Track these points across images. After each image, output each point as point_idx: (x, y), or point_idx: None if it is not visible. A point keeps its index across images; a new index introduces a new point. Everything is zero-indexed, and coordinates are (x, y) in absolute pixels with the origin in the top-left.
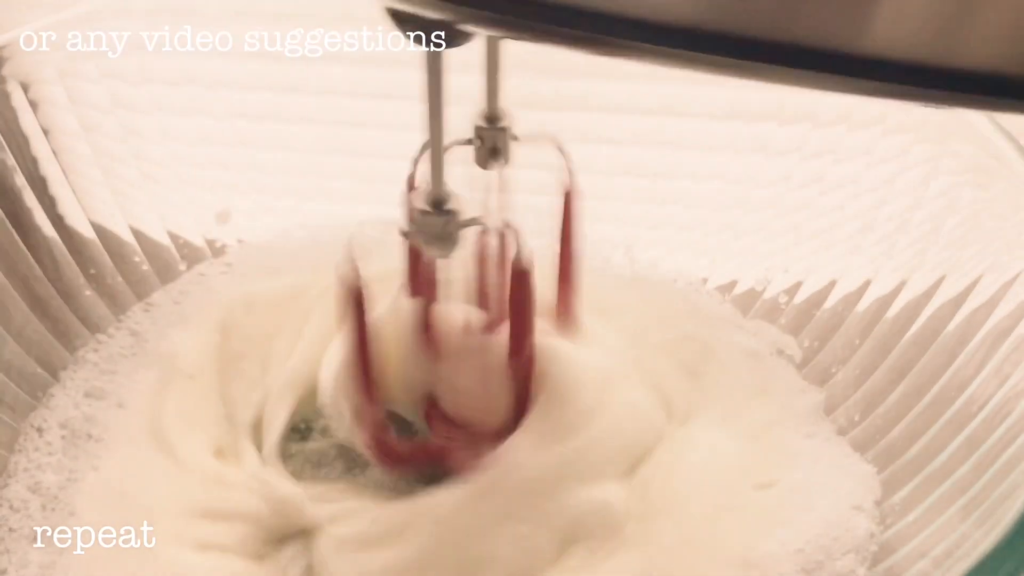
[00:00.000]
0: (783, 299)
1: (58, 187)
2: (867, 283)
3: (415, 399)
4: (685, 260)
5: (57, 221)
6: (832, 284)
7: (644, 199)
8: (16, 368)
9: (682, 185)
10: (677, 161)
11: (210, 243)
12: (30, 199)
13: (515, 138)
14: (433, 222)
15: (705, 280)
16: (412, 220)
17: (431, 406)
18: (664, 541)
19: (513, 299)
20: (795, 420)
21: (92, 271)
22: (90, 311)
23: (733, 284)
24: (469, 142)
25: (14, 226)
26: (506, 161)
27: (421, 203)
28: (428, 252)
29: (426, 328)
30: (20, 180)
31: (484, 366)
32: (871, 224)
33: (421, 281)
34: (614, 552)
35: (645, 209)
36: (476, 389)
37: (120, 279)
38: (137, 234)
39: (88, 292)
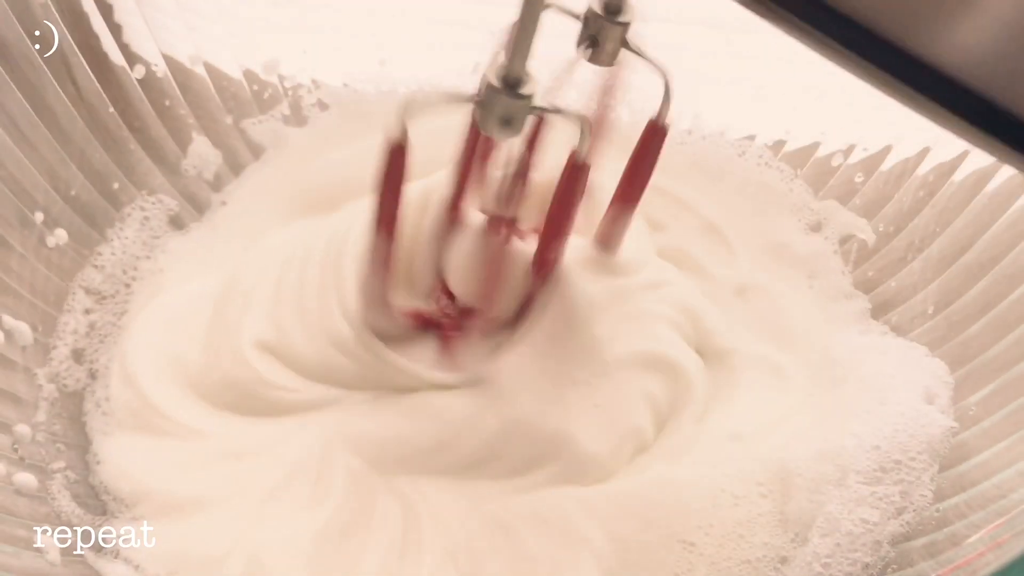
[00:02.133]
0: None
1: (130, 17)
2: (965, 153)
3: (431, 269)
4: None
5: (125, 49)
6: (926, 151)
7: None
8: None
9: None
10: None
11: (282, 79)
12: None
13: (626, 44)
14: (502, 102)
15: (752, 137)
16: (481, 94)
17: (442, 283)
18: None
19: (561, 194)
20: (842, 322)
21: (166, 103)
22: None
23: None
24: (578, 19)
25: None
26: (607, 62)
27: (494, 79)
28: (487, 130)
29: (456, 205)
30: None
31: (503, 258)
32: None
33: (471, 156)
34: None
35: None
36: (489, 277)
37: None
38: (210, 69)
39: (157, 125)
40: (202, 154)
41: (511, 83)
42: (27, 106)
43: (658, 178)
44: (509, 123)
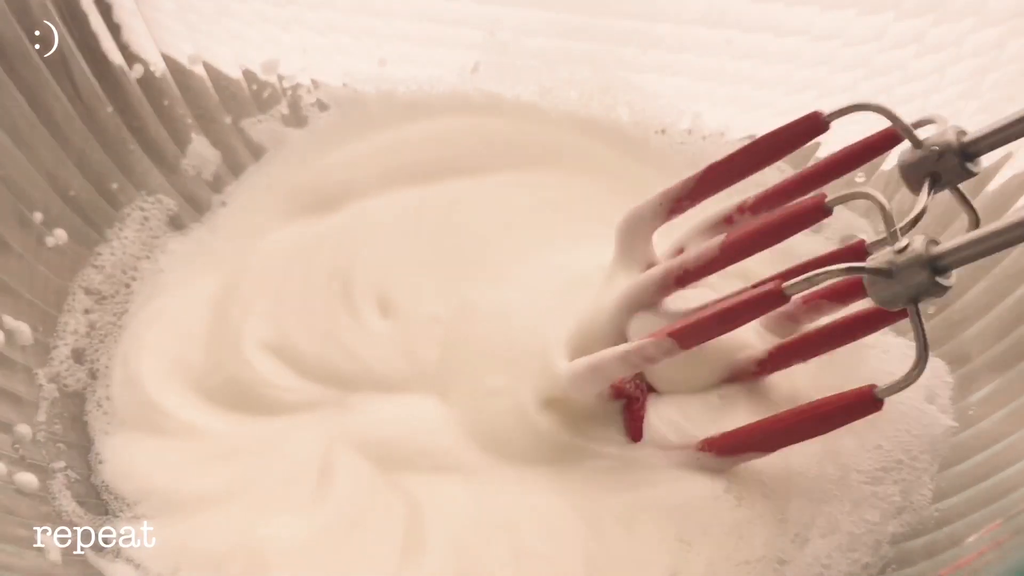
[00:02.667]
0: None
1: (129, 17)
2: None
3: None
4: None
5: (124, 49)
6: None
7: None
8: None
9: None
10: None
11: (281, 78)
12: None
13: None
14: (914, 276)
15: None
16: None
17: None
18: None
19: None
20: None
21: (165, 102)
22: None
23: None
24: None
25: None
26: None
27: (923, 247)
28: (875, 292)
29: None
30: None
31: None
32: (973, 90)
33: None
34: None
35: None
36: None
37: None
38: (209, 68)
39: (156, 125)
40: (201, 154)
41: (939, 267)
42: (26, 106)
43: (658, 179)
44: (892, 300)
